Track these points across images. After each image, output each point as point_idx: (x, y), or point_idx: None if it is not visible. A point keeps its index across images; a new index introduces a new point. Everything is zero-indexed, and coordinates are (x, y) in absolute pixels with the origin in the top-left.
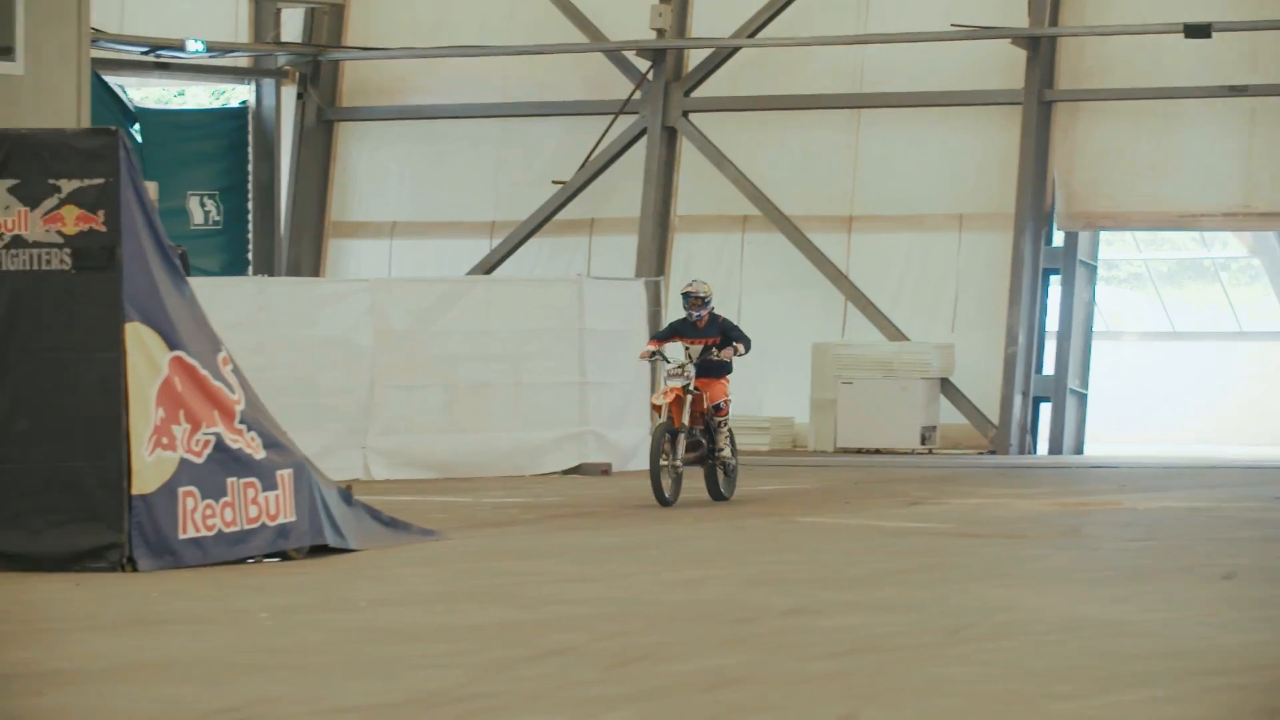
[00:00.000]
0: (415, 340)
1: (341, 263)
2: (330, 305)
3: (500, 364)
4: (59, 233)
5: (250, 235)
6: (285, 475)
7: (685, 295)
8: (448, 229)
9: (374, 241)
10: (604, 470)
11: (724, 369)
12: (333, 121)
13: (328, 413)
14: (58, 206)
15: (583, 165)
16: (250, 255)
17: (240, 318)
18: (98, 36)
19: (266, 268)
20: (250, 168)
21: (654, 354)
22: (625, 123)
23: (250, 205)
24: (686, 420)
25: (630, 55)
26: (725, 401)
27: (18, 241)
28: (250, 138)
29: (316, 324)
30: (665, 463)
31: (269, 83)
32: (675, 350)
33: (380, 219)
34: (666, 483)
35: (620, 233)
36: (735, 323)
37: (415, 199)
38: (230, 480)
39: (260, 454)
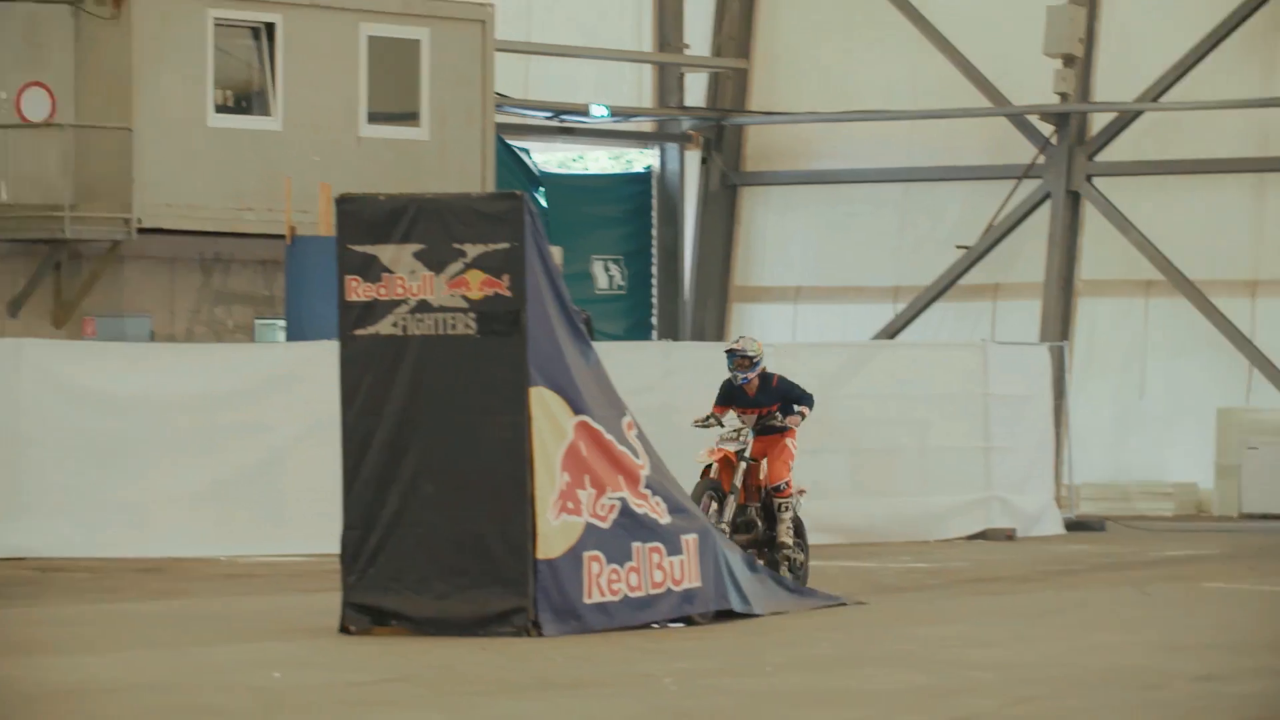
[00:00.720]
0: (821, 405)
1: (745, 327)
2: None
3: (905, 428)
4: (464, 297)
5: (654, 299)
6: (690, 540)
7: (729, 354)
8: (851, 293)
9: (778, 305)
10: (1009, 535)
11: (784, 427)
12: (736, 185)
13: None
14: (463, 271)
15: (986, 229)
16: (654, 319)
17: (645, 382)
18: (502, 102)
19: (671, 332)
20: (654, 232)
21: (708, 419)
22: (1028, 187)
23: (654, 269)
24: (739, 490)
25: (1033, 119)
26: (788, 483)
27: (424, 306)
28: (654, 202)
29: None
30: None
31: (673, 147)
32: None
33: (784, 283)
34: None
35: (1024, 297)
36: (793, 381)
37: (819, 263)
38: (635, 545)
39: (665, 519)
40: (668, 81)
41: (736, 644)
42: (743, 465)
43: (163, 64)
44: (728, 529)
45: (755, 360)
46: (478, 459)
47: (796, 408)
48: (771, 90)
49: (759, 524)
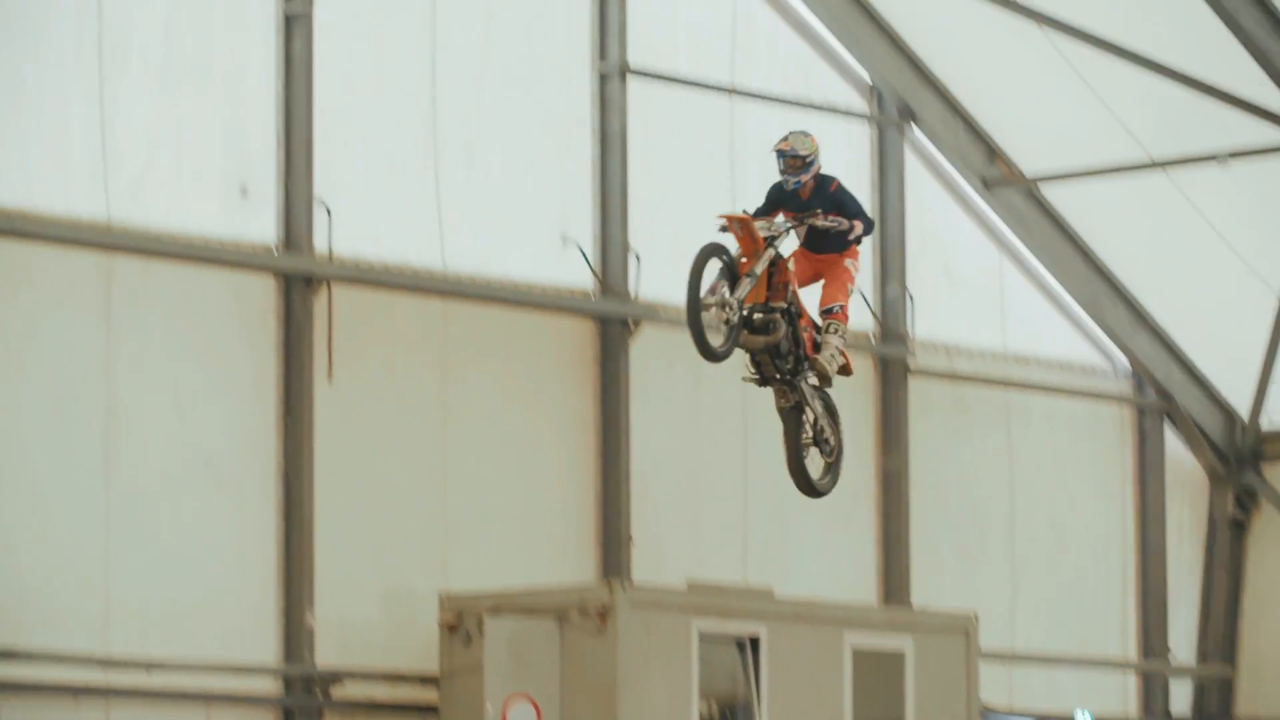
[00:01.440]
0: None
1: None
2: None
3: None
4: None
5: None
6: None
7: (778, 155)
8: None
9: None
10: None
11: (842, 243)
12: None
13: None
14: None
15: None
16: None
17: None
18: (986, 709)
19: None
20: None
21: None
22: None
23: None
24: (758, 277)
25: None
26: (842, 307)
27: None
28: None
29: None
30: (713, 299)
31: None
32: None
33: None
34: (712, 326)
35: None
36: (852, 194)
37: None
38: None
39: None
40: (1152, 688)
41: None
42: (769, 253)
43: (647, 676)
44: (736, 310)
45: (809, 160)
46: None
47: (853, 219)
48: (1256, 696)
49: (783, 331)
